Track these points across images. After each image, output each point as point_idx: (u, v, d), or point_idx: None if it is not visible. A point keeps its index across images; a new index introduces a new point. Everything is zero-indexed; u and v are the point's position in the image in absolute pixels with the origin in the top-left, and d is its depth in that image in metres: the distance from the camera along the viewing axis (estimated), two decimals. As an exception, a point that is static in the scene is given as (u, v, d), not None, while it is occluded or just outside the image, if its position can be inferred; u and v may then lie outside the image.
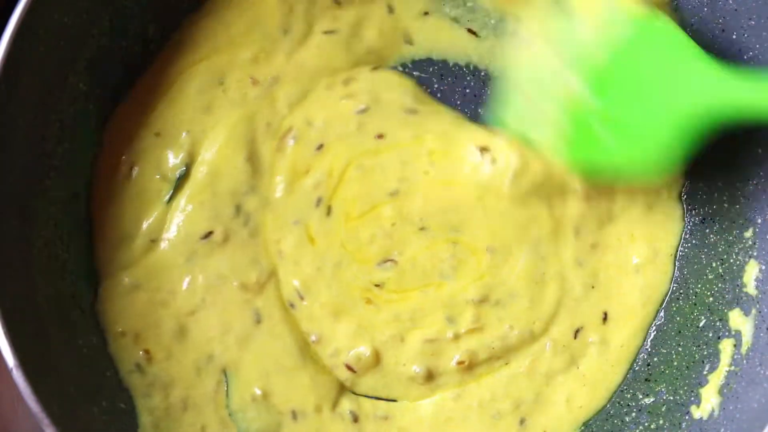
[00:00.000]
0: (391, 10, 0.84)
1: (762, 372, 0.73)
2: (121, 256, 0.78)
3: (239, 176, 0.79)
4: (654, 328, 0.82)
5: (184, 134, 0.79)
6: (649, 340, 0.82)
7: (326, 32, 0.83)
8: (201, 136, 0.80)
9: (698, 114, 0.70)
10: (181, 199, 0.79)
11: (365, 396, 0.79)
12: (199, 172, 0.79)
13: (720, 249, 0.80)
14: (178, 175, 0.79)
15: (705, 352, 0.78)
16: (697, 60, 0.71)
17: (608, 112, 0.74)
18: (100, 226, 0.78)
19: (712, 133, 0.71)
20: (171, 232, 0.78)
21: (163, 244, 0.78)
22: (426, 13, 0.84)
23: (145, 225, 0.78)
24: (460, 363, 0.79)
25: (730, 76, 0.70)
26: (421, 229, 0.80)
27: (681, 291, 0.82)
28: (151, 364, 0.76)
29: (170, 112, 0.80)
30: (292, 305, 0.79)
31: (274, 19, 0.82)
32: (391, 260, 0.80)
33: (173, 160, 0.79)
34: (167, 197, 0.79)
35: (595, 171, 0.78)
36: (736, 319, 0.77)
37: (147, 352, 0.76)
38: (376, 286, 0.80)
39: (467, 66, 0.85)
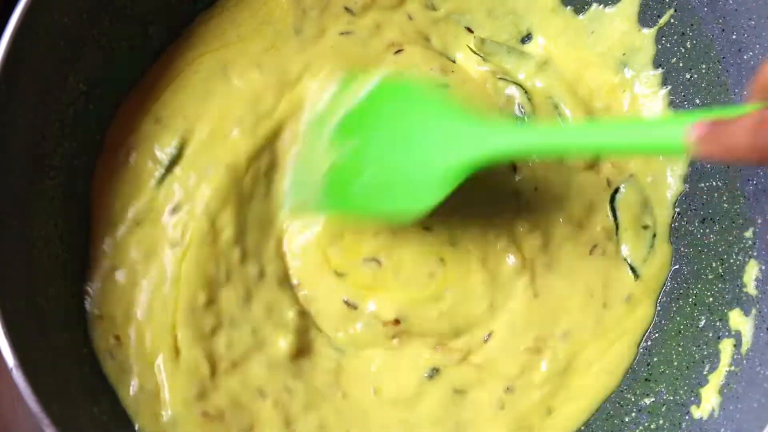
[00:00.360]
0: (410, 17, 0.85)
1: (762, 372, 0.73)
2: (110, 238, 0.78)
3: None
4: (654, 328, 0.82)
5: (180, 118, 0.80)
6: (649, 340, 0.82)
7: (342, 33, 0.84)
8: (195, 120, 0.80)
9: (457, 163, 0.72)
10: (170, 183, 0.79)
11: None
12: (190, 154, 0.79)
13: (720, 249, 0.80)
14: (168, 160, 0.79)
15: (705, 352, 0.78)
16: (446, 114, 0.74)
17: (370, 155, 0.77)
18: (97, 212, 0.78)
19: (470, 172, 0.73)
20: (155, 214, 0.78)
21: (143, 226, 0.78)
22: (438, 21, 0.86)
23: (132, 210, 0.78)
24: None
25: (484, 125, 0.73)
26: (426, 228, 0.81)
27: (681, 291, 0.82)
28: (120, 350, 0.76)
29: (172, 100, 0.80)
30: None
31: (285, 20, 0.83)
32: (377, 261, 0.80)
33: (167, 144, 0.79)
34: (155, 183, 0.79)
35: (367, 213, 0.79)
36: (736, 319, 0.77)
37: (117, 338, 0.76)
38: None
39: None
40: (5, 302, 0.65)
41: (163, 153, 0.79)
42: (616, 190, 0.84)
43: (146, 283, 0.77)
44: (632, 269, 0.83)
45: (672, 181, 0.84)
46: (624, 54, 0.84)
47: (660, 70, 0.84)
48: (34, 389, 0.64)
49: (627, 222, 0.83)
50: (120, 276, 0.77)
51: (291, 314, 0.79)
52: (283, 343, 0.78)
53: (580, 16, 0.86)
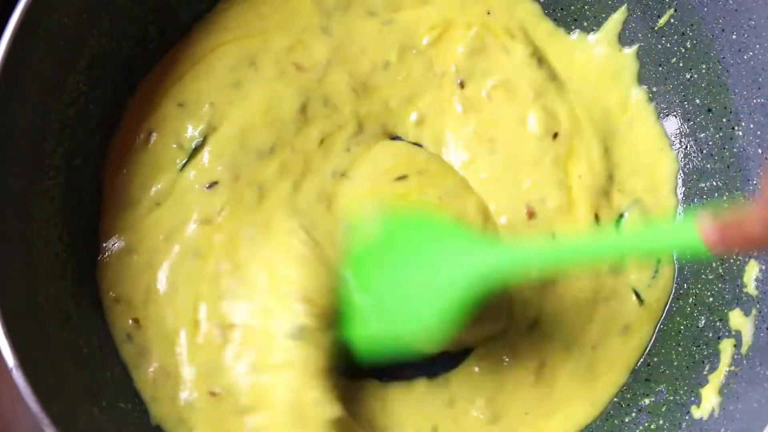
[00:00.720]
0: None
1: (762, 372, 0.72)
2: (123, 219, 0.78)
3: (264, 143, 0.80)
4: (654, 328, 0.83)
5: (206, 106, 0.80)
6: (649, 341, 0.82)
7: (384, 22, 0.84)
8: (227, 108, 0.79)
9: (461, 287, 0.69)
10: (200, 162, 0.79)
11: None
12: (223, 139, 0.79)
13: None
14: (194, 145, 0.79)
15: (705, 352, 0.78)
16: (450, 237, 0.72)
17: (376, 298, 0.74)
18: (110, 193, 0.78)
19: (482, 298, 0.70)
20: (179, 193, 0.78)
21: (165, 207, 0.78)
22: None
23: (153, 190, 0.78)
24: None
25: (482, 246, 0.70)
26: None
27: (681, 291, 0.82)
28: (139, 332, 0.76)
29: (196, 84, 0.80)
30: None
31: (311, 19, 0.83)
32: None
33: (192, 130, 0.79)
34: (181, 165, 0.79)
35: (379, 349, 0.75)
36: (736, 319, 0.77)
37: (136, 320, 0.76)
38: None
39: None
40: (5, 302, 0.65)
41: (189, 137, 0.79)
42: (621, 216, 0.83)
43: (168, 260, 0.77)
44: (636, 295, 0.82)
45: (672, 200, 0.84)
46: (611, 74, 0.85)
47: (645, 87, 0.84)
48: (34, 389, 0.64)
49: None
50: (137, 257, 0.77)
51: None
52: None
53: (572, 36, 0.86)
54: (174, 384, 0.76)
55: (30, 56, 0.69)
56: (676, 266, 0.83)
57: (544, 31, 0.86)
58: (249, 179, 0.78)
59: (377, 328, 0.74)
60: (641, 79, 0.85)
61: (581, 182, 0.82)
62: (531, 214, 0.81)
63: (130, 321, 0.76)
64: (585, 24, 0.86)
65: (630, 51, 0.84)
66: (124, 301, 0.77)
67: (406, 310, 0.73)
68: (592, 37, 0.85)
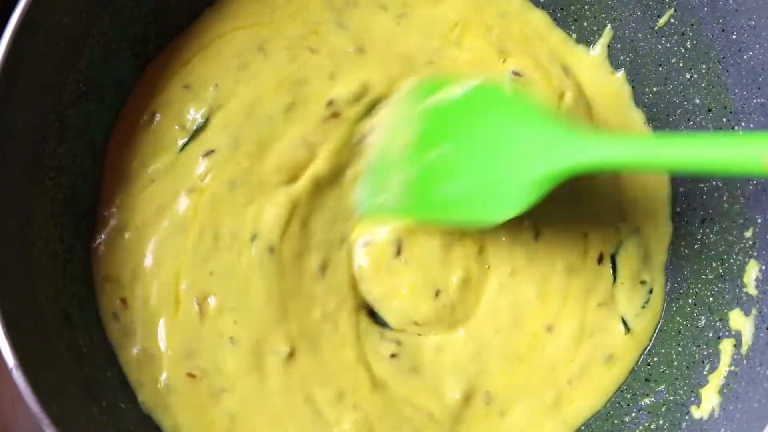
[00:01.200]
0: None
1: (762, 372, 0.72)
2: (118, 198, 0.78)
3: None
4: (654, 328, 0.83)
5: (211, 87, 0.80)
6: (649, 341, 0.82)
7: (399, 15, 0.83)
8: (233, 87, 0.80)
9: (547, 172, 0.70)
10: (194, 148, 0.79)
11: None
12: (224, 119, 0.79)
13: (720, 249, 0.80)
14: (195, 127, 0.79)
15: (705, 352, 0.78)
16: (543, 122, 0.72)
17: (458, 162, 0.74)
18: (109, 173, 0.79)
19: (564, 180, 0.70)
20: (175, 171, 0.78)
21: (159, 182, 0.78)
22: None
23: (151, 169, 0.78)
24: None
25: (573, 135, 0.70)
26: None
27: (681, 291, 0.82)
28: (126, 312, 0.76)
29: (203, 68, 0.81)
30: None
31: (324, 14, 0.82)
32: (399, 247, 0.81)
33: (195, 111, 0.79)
34: (181, 146, 0.79)
35: (449, 219, 0.77)
36: (736, 319, 0.77)
37: (123, 300, 0.76)
38: None
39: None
40: (5, 302, 0.65)
41: (191, 118, 0.79)
42: (619, 244, 0.83)
43: (156, 236, 0.77)
44: (624, 323, 0.82)
45: (669, 227, 0.84)
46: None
47: (642, 109, 0.84)
48: (34, 389, 0.64)
49: (625, 276, 0.82)
50: (129, 234, 0.77)
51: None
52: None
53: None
54: (157, 366, 0.75)
55: (30, 56, 0.69)
56: (666, 299, 0.83)
57: (557, 38, 0.86)
58: (251, 140, 0.78)
59: (450, 197, 0.74)
60: (642, 84, 0.85)
61: (597, 220, 0.82)
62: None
63: (118, 300, 0.76)
64: (586, 33, 0.86)
65: (620, 74, 0.85)
66: (113, 280, 0.77)
67: (485, 188, 0.73)
68: (592, 51, 0.86)
